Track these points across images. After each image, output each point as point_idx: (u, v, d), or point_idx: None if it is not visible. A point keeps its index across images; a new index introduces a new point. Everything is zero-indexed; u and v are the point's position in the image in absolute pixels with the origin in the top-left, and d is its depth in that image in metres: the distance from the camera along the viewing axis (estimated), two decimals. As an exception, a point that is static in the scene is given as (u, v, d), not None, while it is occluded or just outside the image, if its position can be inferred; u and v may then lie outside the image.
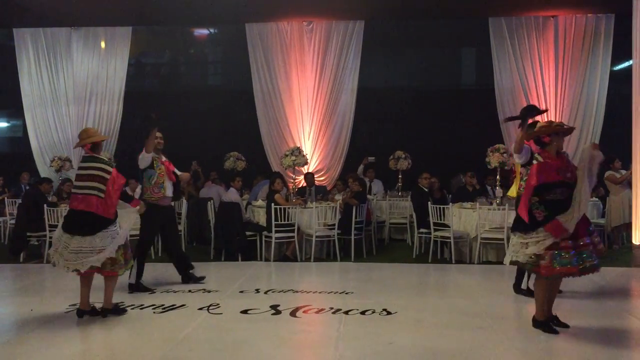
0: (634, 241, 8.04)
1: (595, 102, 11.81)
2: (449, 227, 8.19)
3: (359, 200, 8.70)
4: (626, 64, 11.18)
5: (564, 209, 4.53)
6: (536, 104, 11.83)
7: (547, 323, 4.82)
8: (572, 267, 4.51)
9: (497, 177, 8.85)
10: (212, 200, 9.29)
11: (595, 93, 11.80)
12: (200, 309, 5.60)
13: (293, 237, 8.36)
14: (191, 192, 10.87)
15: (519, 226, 4.74)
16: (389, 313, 5.41)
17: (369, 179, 11.33)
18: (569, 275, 4.65)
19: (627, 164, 9.12)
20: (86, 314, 5.25)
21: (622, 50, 10.79)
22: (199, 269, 7.93)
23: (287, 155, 10.04)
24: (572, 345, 4.56)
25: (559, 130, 4.75)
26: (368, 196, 9.83)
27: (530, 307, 5.69)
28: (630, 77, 8.26)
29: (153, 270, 7.02)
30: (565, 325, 4.82)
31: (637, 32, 8.08)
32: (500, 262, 7.84)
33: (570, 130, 4.96)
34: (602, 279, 6.64)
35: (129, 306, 5.69)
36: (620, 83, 11.49)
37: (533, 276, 5.17)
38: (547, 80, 11.88)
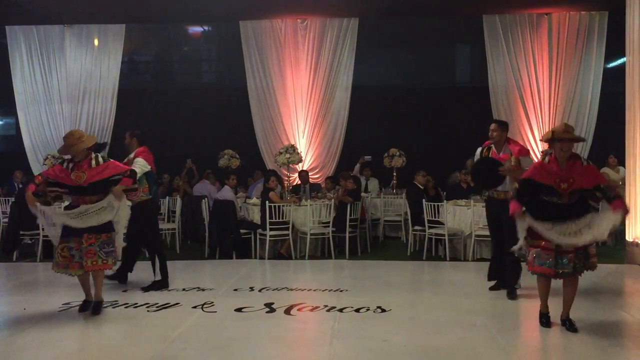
0: (627, 238, 8.06)
1: (588, 99, 11.86)
2: (444, 224, 8.20)
3: (353, 198, 8.71)
4: (620, 61, 11.21)
5: (545, 211, 4.64)
6: (530, 101, 11.93)
7: (540, 315, 4.90)
8: (548, 268, 4.59)
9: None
10: (206, 198, 9.28)
11: (589, 90, 11.85)
12: (195, 307, 5.58)
13: (287, 234, 8.35)
14: (186, 189, 10.86)
15: None
16: (383, 310, 5.41)
17: (366, 177, 11.34)
18: (546, 276, 4.68)
19: (620, 161, 9.14)
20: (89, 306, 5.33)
21: (615, 48, 10.80)
22: (193, 266, 7.97)
23: (281, 153, 10.04)
24: (565, 342, 4.58)
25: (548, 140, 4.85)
26: (363, 194, 9.84)
27: (523, 305, 5.72)
28: (624, 75, 8.27)
29: (146, 269, 6.99)
30: (575, 330, 4.73)
31: (631, 29, 8.09)
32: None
33: (564, 138, 4.76)
34: (595, 275, 6.61)
35: (123, 304, 5.68)
36: (613, 80, 11.53)
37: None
38: (541, 77, 11.92)
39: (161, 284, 6.45)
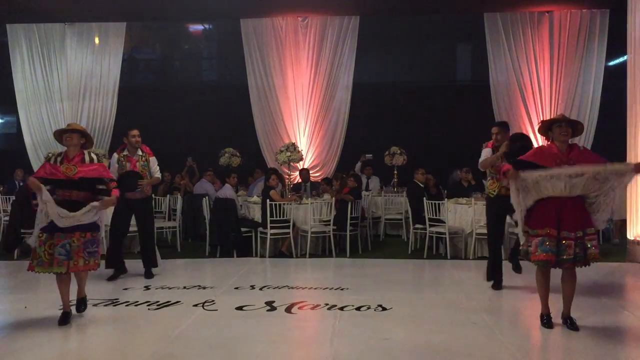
0: (628, 236, 8.06)
1: (590, 98, 11.83)
2: (444, 222, 8.20)
3: (354, 196, 8.70)
4: (621, 60, 11.20)
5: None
6: (531, 99, 11.90)
7: (541, 316, 4.87)
8: (552, 255, 4.52)
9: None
10: (207, 197, 9.28)
11: (590, 88, 11.82)
12: (195, 305, 5.58)
13: (288, 233, 8.35)
14: (188, 188, 10.86)
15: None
16: (384, 309, 5.41)
17: (367, 176, 11.35)
18: (549, 264, 4.59)
19: (621, 159, 9.10)
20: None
21: (617, 46, 10.80)
22: (194, 265, 7.97)
23: (282, 151, 10.03)
24: (566, 340, 4.57)
25: (546, 124, 4.85)
26: (364, 192, 9.84)
27: (524, 303, 5.72)
28: (625, 73, 8.26)
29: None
30: (576, 329, 4.72)
31: (632, 27, 8.08)
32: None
33: (559, 120, 4.83)
34: (596, 273, 6.67)
35: (124, 303, 5.68)
36: (615, 78, 11.51)
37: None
38: (542, 75, 11.89)
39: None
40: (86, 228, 4.98)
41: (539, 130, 4.98)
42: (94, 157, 5.24)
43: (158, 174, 6.94)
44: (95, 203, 5.00)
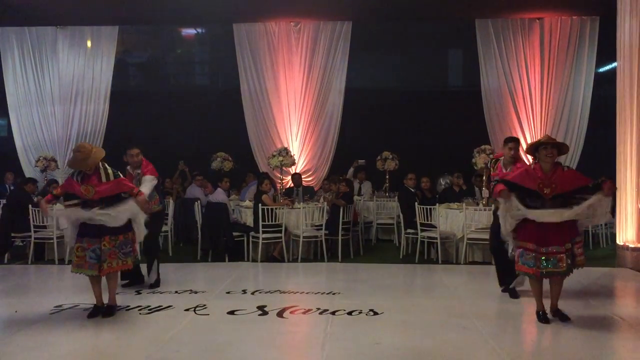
0: (617, 242, 8.12)
1: (580, 104, 11.93)
2: (436, 227, 8.23)
3: (346, 201, 8.72)
4: (611, 66, 11.29)
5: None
6: (522, 104, 12.00)
7: (537, 313, 5.10)
8: (530, 268, 4.89)
9: (484, 177, 8.87)
10: (199, 201, 9.27)
11: (580, 95, 11.93)
12: (187, 310, 5.57)
13: (280, 237, 8.36)
14: (179, 192, 10.83)
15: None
16: (375, 313, 5.42)
17: (360, 181, 11.37)
18: (531, 276, 4.95)
19: (612, 166, 9.16)
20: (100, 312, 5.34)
21: (606, 53, 10.88)
22: (186, 269, 7.95)
23: (274, 156, 10.03)
24: (556, 345, 4.61)
25: (533, 146, 5.05)
26: (356, 197, 9.85)
27: (515, 308, 5.75)
28: (615, 79, 8.34)
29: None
30: (567, 318, 5.00)
31: (622, 34, 8.16)
32: (486, 263, 7.93)
33: (548, 143, 4.96)
34: (586, 278, 6.72)
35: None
36: (605, 85, 11.61)
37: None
38: (533, 81, 11.98)
39: (157, 284, 6.66)
40: (116, 231, 5.21)
41: (527, 151, 5.21)
42: (110, 172, 5.26)
43: (144, 187, 6.30)
44: (132, 202, 5.21)
